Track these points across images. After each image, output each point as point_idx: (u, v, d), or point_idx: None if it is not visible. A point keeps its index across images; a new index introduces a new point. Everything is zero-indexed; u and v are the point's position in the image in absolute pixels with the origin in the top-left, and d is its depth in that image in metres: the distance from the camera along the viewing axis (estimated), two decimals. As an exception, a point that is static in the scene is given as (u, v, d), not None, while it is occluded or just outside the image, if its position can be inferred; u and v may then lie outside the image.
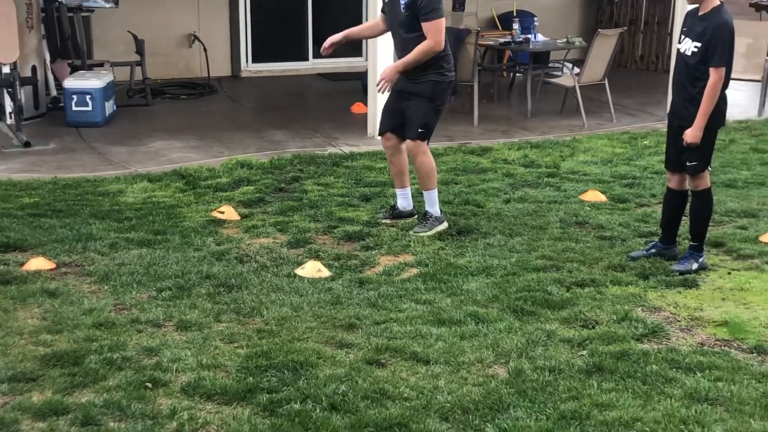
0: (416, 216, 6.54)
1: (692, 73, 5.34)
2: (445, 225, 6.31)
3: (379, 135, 6.52)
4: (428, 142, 6.32)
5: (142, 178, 7.50)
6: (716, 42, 5.21)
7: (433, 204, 6.33)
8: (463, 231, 6.26)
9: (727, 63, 5.27)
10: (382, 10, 6.36)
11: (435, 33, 5.95)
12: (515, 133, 9.56)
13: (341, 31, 6.62)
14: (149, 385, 4.03)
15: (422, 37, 5.99)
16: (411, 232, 6.22)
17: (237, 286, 5.22)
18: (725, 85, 5.33)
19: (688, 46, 5.36)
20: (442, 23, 6.00)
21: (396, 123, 6.32)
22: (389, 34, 6.48)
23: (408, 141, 6.24)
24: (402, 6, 6.01)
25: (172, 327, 4.68)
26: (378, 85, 6.19)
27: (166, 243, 5.90)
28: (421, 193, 6.41)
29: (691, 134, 5.31)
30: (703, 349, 4.53)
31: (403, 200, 6.54)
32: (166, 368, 4.18)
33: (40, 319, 4.74)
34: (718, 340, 4.67)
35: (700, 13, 5.35)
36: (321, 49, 6.45)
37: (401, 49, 6.20)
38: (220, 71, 12.36)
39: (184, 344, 4.46)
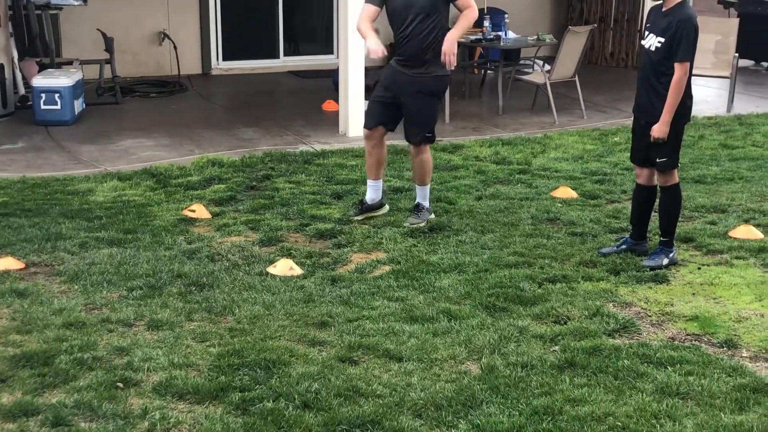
0: (386, 207, 6.58)
1: (657, 69, 5.38)
2: (433, 216, 6.46)
3: (366, 128, 6.39)
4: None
5: (112, 176, 7.44)
6: (681, 37, 5.25)
7: (425, 198, 6.49)
8: (435, 228, 6.27)
9: (691, 58, 5.31)
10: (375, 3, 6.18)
11: (471, 1, 6.08)
12: (487, 130, 9.58)
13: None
14: (120, 385, 4.00)
15: (439, 24, 5.97)
16: (406, 223, 6.31)
17: (208, 285, 5.19)
18: (688, 80, 5.37)
19: (653, 42, 5.40)
20: None
21: (389, 117, 6.28)
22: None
23: (414, 145, 6.29)
24: None
25: (143, 326, 4.65)
26: (446, 62, 5.97)
27: (136, 242, 5.86)
28: (409, 189, 6.60)
29: (658, 129, 5.36)
30: (674, 343, 4.57)
31: (373, 192, 6.54)
32: (137, 368, 4.15)
33: (9, 319, 4.69)
34: (689, 335, 4.71)
35: (663, 9, 5.39)
36: (377, 55, 6.06)
37: (409, 37, 6.01)
38: (190, 69, 12.28)
39: (156, 343, 4.43)
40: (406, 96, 6.15)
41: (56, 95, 9.27)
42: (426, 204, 6.45)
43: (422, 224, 6.27)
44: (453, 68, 6.11)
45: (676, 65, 5.27)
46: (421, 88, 6.10)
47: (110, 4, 11.64)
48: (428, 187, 6.49)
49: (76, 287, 5.14)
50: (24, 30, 10.38)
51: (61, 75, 9.56)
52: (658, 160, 5.47)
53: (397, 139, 8.89)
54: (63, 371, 4.09)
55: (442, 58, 5.97)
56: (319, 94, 10.94)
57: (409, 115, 6.22)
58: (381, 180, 6.55)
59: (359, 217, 6.47)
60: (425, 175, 6.40)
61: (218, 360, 4.24)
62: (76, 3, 10.86)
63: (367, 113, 6.51)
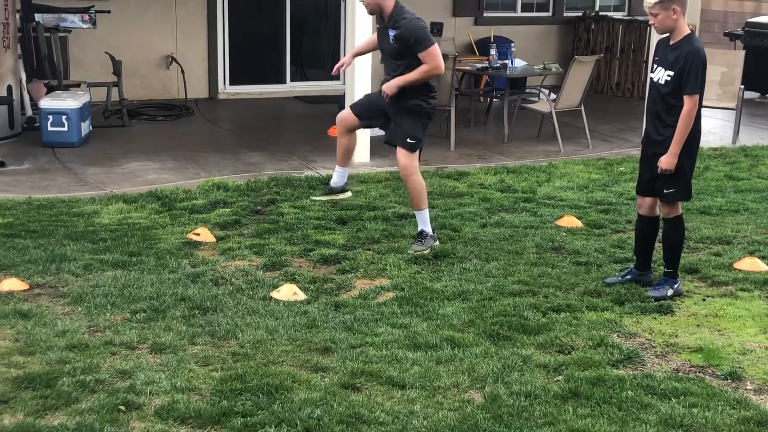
0: (348, 192, 6.93)
1: (666, 101, 5.39)
2: (437, 243, 6.45)
3: (343, 108, 6.79)
4: (419, 158, 6.54)
5: (117, 199, 7.45)
6: (689, 70, 5.27)
7: (426, 223, 6.45)
8: (440, 255, 6.27)
9: (700, 90, 5.33)
10: (378, 31, 6.51)
11: (433, 58, 6.15)
12: (492, 157, 9.60)
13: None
14: (123, 408, 3.99)
15: (410, 66, 6.18)
16: (410, 251, 6.30)
17: (212, 309, 5.18)
18: (698, 113, 5.39)
19: (661, 75, 5.42)
20: (437, 49, 6.19)
21: (370, 114, 6.55)
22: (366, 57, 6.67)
23: (400, 154, 6.37)
24: (391, 37, 6.22)
25: (147, 349, 4.64)
26: (384, 95, 6.31)
27: (141, 265, 5.86)
28: (413, 215, 6.61)
29: (666, 161, 5.36)
30: (678, 375, 4.55)
31: (337, 177, 6.80)
32: (139, 391, 4.14)
33: (13, 340, 4.68)
34: (693, 366, 4.69)
35: (671, 42, 5.42)
36: (333, 71, 6.86)
37: (392, 71, 6.34)
38: (197, 93, 12.34)
39: (159, 367, 4.42)
40: (393, 113, 6.40)
41: (63, 117, 9.31)
42: (428, 230, 6.44)
43: (426, 251, 6.28)
44: (387, 100, 6.31)
45: (686, 98, 5.29)
46: (404, 109, 6.33)
47: (119, 28, 11.72)
48: (425, 212, 6.44)
49: (79, 309, 5.13)
50: (32, 52, 10.44)
51: (68, 97, 9.61)
52: (665, 191, 5.47)
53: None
54: (65, 393, 4.08)
55: (383, 92, 6.29)
56: (325, 119, 10.94)
57: (395, 125, 6.42)
58: (347, 168, 6.80)
59: (323, 198, 6.81)
60: (417, 200, 6.41)
61: (221, 384, 4.22)
62: (84, 26, 10.94)
63: (356, 102, 6.88)
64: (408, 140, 6.34)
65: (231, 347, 4.70)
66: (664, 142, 5.38)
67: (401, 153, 6.36)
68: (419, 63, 6.18)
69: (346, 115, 6.64)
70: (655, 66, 5.51)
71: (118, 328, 4.87)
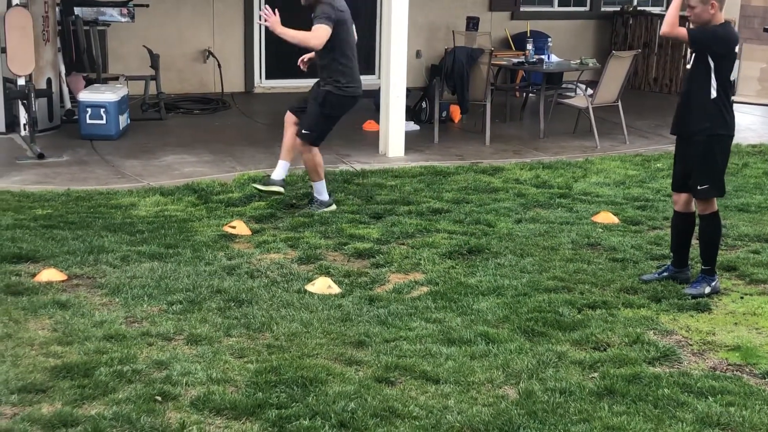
0: (282, 189, 7.18)
1: (695, 80, 5.35)
2: (333, 207, 7.09)
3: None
4: (317, 144, 7.07)
5: (154, 191, 7.52)
6: (701, 47, 5.32)
7: (320, 193, 7.14)
8: (474, 250, 6.25)
9: (726, 72, 5.32)
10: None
11: (315, 33, 6.74)
12: (527, 153, 9.55)
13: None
14: (159, 398, 4.02)
15: (329, 52, 6.83)
16: (306, 209, 7.03)
17: (247, 301, 5.21)
18: (728, 97, 5.33)
19: (691, 61, 5.40)
20: (324, 30, 6.67)
21: (299, 106, 7.14)
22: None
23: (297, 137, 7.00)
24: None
25: (183, 341, 4.68)
26: (261, 17, 6.92)
27: (177, 257, 5.91)
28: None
29: None
30: (715, 373, 4.51)
31: (280, 170, 7.19)
32: (175, 382, 4.18)
33: (51, 330, 4.75)
34: (730, 365, 4.64)
35: None
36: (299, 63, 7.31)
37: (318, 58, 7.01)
38: (233, 87, 12.41)
39: (194, 358, 4.46)
40: (311, 98, 7.01)
41: (102, 110, 9.41)
42: (322, 198, 7.11)
43: (318, 211, 6.92)
44: (261, 21, 6.97)
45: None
46: (314, 96, 6.96)
47: (157, 22, 11.82)
48: (319, 183, 7.10)
49: (117, 300, 5.19)
50: (72, 45, 10.57)
51: (107, 90, 9.71)
52: (699, 188, 5.42)
53: (437, 161, 8.91)
54: (102, 383, 4.13)
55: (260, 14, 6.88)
56: (360, 114, 10.94)
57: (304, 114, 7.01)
58: (287, 162, 7.19)
59: (262, 188, 7.13)
60: (311, 173, 7.12)
61: (256, 376, 4.25)
62: (123, 20, 11.05)
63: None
64: (303, 131, 6.95)
65: (266, 339, 4.73)
66: (684, 123, 5.37)
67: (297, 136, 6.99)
68: (339, 41, 6.78)
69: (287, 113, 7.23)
70: (690, 55, 5.49)
71: (155, 319, 4.92)
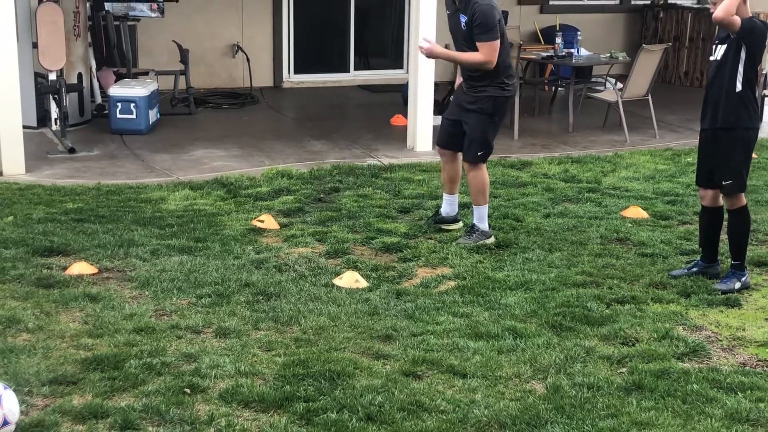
0: (460, 224, 6.58)
1: (723, 76, 5.29)
2: (491, 240, 6.28)
3: (437, 144, 6.65)
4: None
5: (183, 185, 7.57)
6: (740, 39, 5.22)
7: (482, 219, 6.34)
8: (502, 245, 6.23)
9: (755, 66, 5.27)
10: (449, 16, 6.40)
11: (487, 53, 6.00)
12: (556, 147, 9.51)
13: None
14: (188, 390, 4.06)
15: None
16: (454, 243, 6.23)
17: (275, 295, 5.24)
18: (753, 90, 5.27)
19: (718, 53, 5.34)
20: (496, 45, 6.01)
21: (453, 140, 6.37)
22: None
23: (466, 162, 6.30)
24: (462, 23, 6.10)
25: (211, 334, 4.71)
26: (420, 46, 6.34)
27: (206, 250, 5.95)
28: (471, 208, 6.49)
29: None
30: (745, 369, 4.47)
31: (448, 206, 6.58)
32: (204, 374, 4.21)
33: (82, 323, 4.80)
34: (760, 361, 4.59)
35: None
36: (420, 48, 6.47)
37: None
38: (262, 81, 12.46)
39: (223, 351, 4.49)
40: (464, 114, 6.26)
41: (132, 105, 9.49)
42: (482, 227, 6.31)
43: (471, 245, 6.17)
44: (423, 53, 6.29)
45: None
46: (477, 108, 6.18)
47: (186, 17, 11.89)
48: (483, 208, 6.31)
49: (146, 293, 5.23)
50: (102, 40, 10.66)
51: (137, 85, 9.79)
52: (723, 183, 5.38)
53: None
54: (132, 375, 4.17)
55: (420, 48, 6.33)
56: (388, 108, 10.98)
57: (467, 135, 6.26)
58: (455, 195, 6.58)
59: (431, 225, 6.54)
60: (477, 195, 6.30)
61: (283, 369, 4.27)
62: (153, 15, 11.14)
63: (439, 130, 6.62)
64: (479, 153, 6.21)
65: (294, 333, 4.75)
66: (711, 119, 5.33)
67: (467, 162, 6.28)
68: (500, 54, 6.03)
69: (439, 151, 6.59)
70: (714, 47, 5.43)
71: (184, 313, 4.96)
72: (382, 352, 4.54)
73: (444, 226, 6.56)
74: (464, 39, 6.15)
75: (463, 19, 6.07)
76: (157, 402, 3.94)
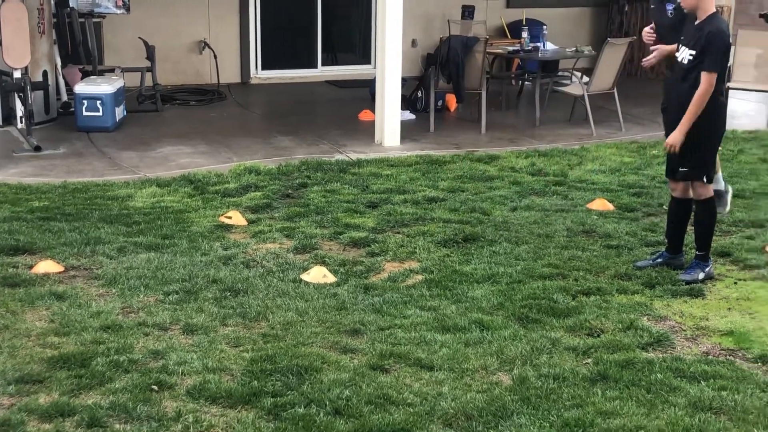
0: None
1: (688, 81, 5.36)
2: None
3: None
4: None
5: (150, 182, 7.54)
6: (709, 48, 5.27)
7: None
8: (469, 238, 6.27)
9: (720, 70, 5.30)
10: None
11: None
12: (523, 141, 9.56)
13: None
14: (155, 387, 4.06)
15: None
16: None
17: (243, 291, 5.24)
18: (720, 93, 5.35)
19: (685, 55, 5.41)
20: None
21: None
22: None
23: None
24: (668, 11, 5.96)
25: (179, 330, 4.71)
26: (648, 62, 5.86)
27: (173, 247, 5.93)
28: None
29: (673, 137, 5.36)
30: (708, 358, 4.54)
31: None
32: (172, 371, 4.21)
33: (48, 321, 4.77)
34: (723, 350, 4.67)
35: (696, 22, 5.39)
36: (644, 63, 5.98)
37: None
38: (229, 78, 12.41)
39: (190, 348, 4.48)
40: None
41: (98, 102, 9.42)
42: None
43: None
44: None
45: (703, 75, 5.26)
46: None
47: (152, 13, 11.81)
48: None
49: (113, 291, 5.21)
50: (67, 38, 10.56)
51: (103, 82, 9.71)
52: (680, 170, 5.46)
53: (433, 149, 8.92)
54: (99, 373, 4.16)
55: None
56: (356, 103, 11.00)
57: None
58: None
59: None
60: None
61: (251, 365, 4.28)
62: (119, 11, 11.05)
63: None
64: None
65: (261, 329, 4.76)
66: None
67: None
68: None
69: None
70: (680, 46, 5.49)
71: (151, 310, 4.94)
72: (350, 346, 4.56)
73: None
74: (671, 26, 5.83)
75: (670, 7, 5.91)
76: (124, 399, 3.93)
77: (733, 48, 9.99)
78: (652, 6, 6.24)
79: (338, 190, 7.42)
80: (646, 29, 6.07)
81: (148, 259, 5.68)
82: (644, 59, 5.99)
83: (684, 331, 4.89)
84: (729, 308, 5.20)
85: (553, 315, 4.99)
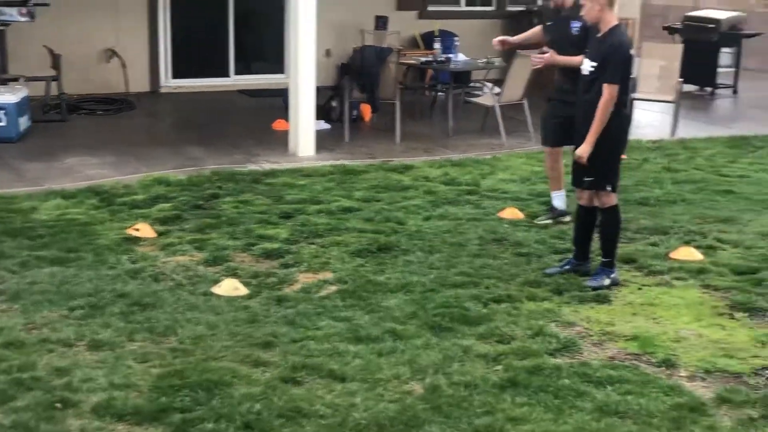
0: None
1: (590, 93, 5.50)
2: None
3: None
4: None
5: (55, 194, 7.33)
6: (610, 60, 5.42)
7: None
8: (384, 248, 6.28)
9: (622, 82, 5.45)
10: (544, 28, 6.85)
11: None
12: (437, 151, 9.64)
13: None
14: (59, 405, 3.95)
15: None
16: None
17: (151, 305, 5.13)
18: (624, 105, 5.49)
19: (587, 66, 5.55)
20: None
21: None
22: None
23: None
24: (573, 28, 6.41)
25: (84, 346, 4.59)
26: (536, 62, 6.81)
27: (79, 261, 5.78)
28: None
29: (581, 149, 5.49)
30: (614, 362, 4.63)
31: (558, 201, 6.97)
32: (76, 388, 4.10)
33: (-55, 339, 4.59)
34: (629, 354, 4.77)
35: (599, 35, 5.54)
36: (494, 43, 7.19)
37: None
38: (138, 87, 12.19)
39: (96, 364, 4.37)
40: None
41: (1, 112, 9.14)
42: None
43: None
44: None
45: (604, 86, 5.41)
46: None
47: (58, 21, 11.52)
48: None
49: (16, 306, 5.05)
50: (-31, 45, 10.23)
51: (6, 91, 9.44)
52: (585, 179, 5.59)
53: (348, 159, 8.91)
54: (1, 391, 4.02)
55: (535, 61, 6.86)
56: (270, 113, 10.92)
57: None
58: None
59: (548, 221, 6.93)
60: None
61: (159, 381, 4.19)
62: (22, 19, 10.73)
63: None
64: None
65: (170, 343, 4.67)
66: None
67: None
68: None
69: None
70: (584, 59, 5.63)
71: (55, 326, 4.80)
72: (262, 359, 4.51)
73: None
74: (572, 44, 6.39)
75: (574, 25, 6.41)
76: (26, 417, 3.82)
77: (637, 59, 10.30)
78: (548, 23, 6.48)
79: (251, 201, 7.35)
80: (534, 56, 6.68)
81: (51, 274, 5.52)
82: (533, 57, 6.60)
83: (591, 336, 4.99)
84: (634, 313, 5.32)
85: (465, 323, 5.03)
